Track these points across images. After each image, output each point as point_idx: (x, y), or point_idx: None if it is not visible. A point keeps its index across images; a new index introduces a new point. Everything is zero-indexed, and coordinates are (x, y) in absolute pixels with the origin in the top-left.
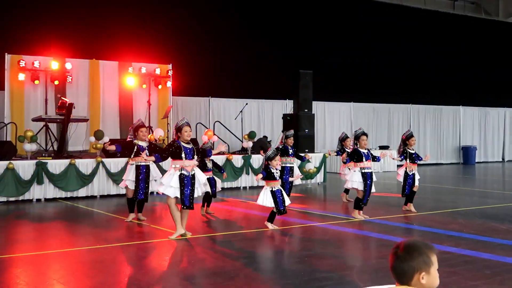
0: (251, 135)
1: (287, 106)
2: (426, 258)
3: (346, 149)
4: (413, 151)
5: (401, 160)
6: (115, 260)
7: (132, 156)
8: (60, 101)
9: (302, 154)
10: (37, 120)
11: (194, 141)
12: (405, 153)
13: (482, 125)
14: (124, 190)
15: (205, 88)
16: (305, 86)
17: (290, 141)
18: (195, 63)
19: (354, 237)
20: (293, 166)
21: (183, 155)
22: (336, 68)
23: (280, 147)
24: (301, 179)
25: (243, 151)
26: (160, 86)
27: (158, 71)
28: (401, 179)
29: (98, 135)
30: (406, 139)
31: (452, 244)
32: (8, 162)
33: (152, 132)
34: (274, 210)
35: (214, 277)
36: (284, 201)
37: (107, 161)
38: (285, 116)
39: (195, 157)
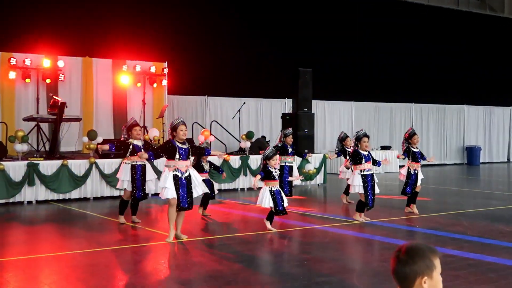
0: (249, 135)
1: (286, 105)
2: (429, 262)
3: (347, 149)
4: (416, 150)
5: (404, 159)
6: (109, 264)
7: (128, 155)
8: (52, 100)
9: (304, 152)
10: (28, 119)
11: (190, 141)
12: (408, 151)
13: (486, 124)
14: (118, 191)
15: (202, 87)
16: (304, 84)
17: (289, 139)
18: (192, 60)
19: (355, 239)
20: (292, 165)
21: (177, 155)
22: (336, 66)
23: (279, 145)
24: (300, 180)
25: (240, 151)
26: (155, 85)
27: (153, 69)
28: (404, 179)
29: (91, 135)
30: (409, 137)
31: (455, 247)
32: None
33: (147, 132)
34: (273, 210)
35: (211, 281)
36: (283, 202)
37: (100, 162)
38: (284, 116)
39: (190, 157)
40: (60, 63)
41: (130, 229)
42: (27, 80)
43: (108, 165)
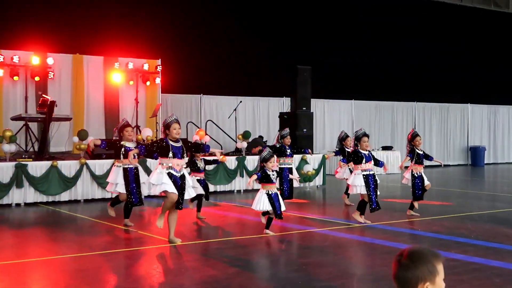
0: (246, 135)
1: (284, 104)
2: (431, 267)
3: (347, 149)
4: (421, 152)
5: (410, 160)
6: (100, 269)
7: (121, 158)
8: (41, 98)
9: (307, 149)
10: (16, 119)
11: (185, 141)
12: (412, 153)
13: (491, 124)
14: (110, 194)
15: (197, 85)
16: (303, 82)
17: (287, 140)
18: (186, 58)
19: (355, 243)
20: (291, 167)
21: (170, 154)
22: (336, 64)
23: (277, 146)
24: (299, 181)
25: (237, 152)
26: (148, 83)
27: (146, 67)
28: (408, 182)
29: (82, 135)
30: (412, 138)
31: (459, 251)
32: None
33: (140, 132)
34: (271, 215)
35: (205, 286)
36: (280, 206)
37: (91, 163)
38: (282, 115)
39: (185, 156)
40: (50, 61)
41: (122, 232)
42: (15, 78)
43: (99, 166)
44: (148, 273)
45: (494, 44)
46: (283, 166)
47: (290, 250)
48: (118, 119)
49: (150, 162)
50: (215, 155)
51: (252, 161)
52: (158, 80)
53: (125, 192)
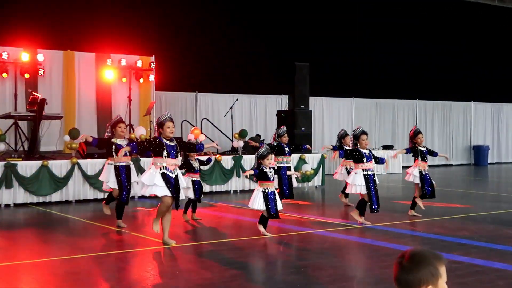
0: (242, 133)
1: (281, 102)
2: (434, 270)
3: (345, 147)
4: (424, 149)
5: (406, 153)
6: (92, 271)
7: (113, 155)
8: (31, 96)
9: (306, 146)
10: (5, 117)
11: (179, 141)
12: (414, 150)
13: (495, 122)
14: (102, 194)
15: (192, 82)
16: (301, 80)
17: (285, 138)
18: (181, 54)
19: (355, 245)
20: (290, 166)
21: (165, 153)
22: (335, 61)
23: (275, 144)
24: (296, 180)
25: (233, 151)
26: (141, 80)
27: (139, 64)
28: (415, 180)
29: (73, 133)
30: (414, 136)
31: (462, 252)
32: None
33: (133, 130)
34: (265, 214)
35: None
36: (276, 205)
37: (83, 162)
38: (279, 113)
39: (179, 156)
40: (40, 57)
41: (115, 234)
42: (4, 75)
43: (91, 166)
44: (142, 276)
45: (498, 41)
46: (281, 165)
47: (288, 252)
48: (111, 117)
49: (144, 161)
50: (209, 154)
51: (249, 161)
52: (152, 77)
53: (117, 187)
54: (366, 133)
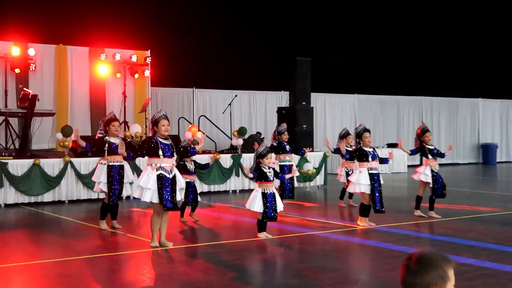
0: (241, 131)
1: (282, 98)
2: (442, 272)
3: (346, 147)
4: (432, 147)
5: (410, 154)
6: (85, 274)
7: (105, 154)
8: (22, 92)
9: (303, 149)
10: None
11: (176, 138)
12: (421, 149)
13: (503, 119)
14: (96, 194)
15: (189, 78)
16: (302, 75)
17: (285, 136)
18: (177, 49)
19: (359, 247)
20: (292, 164)
21: (160, 152)
22: (337, 56)
23: (275, 144)
24: (297, 180)
25: (232, 149)
26: (137, 75)
27: (134, 58)
28: (427, 179)
29: (66, 131)
30: (421, 134)
31: (470, 255)
32: None
33: (128, 128)
34: (260, 217)
35: None
36: (276, 207)
37: (76, 161)
38: (280, 110)
39: (175, 154)
40: (31, 51)
41: (109, 235)
42: None
43: (84, 164)
44: (137, 279)
45: (509, 36)
46: (283, 163)
47: (289, 255)
48: (105, 114)
49: (139, 160)
50: (206, 153)
51: (248, 159)
52: (147, 73)
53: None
54: (368, 131)
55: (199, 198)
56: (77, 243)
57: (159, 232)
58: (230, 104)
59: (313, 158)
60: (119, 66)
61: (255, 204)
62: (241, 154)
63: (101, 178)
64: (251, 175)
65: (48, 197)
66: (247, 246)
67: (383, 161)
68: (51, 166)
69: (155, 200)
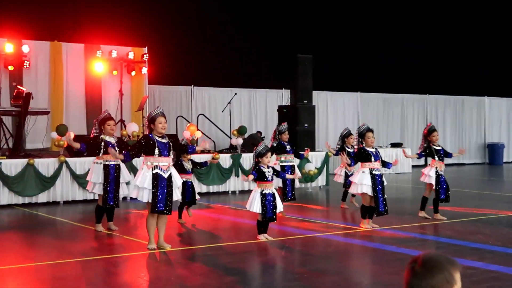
0: (241, 130)
1: (283, 96)
2: (448, 276)
3: (347, 148)
4: (439, 147)
5: (418, 158)
6: (80, 277)
7: (100, 154)
8: (15, 90)
9: (301, 153)
10: None
11: (174, 137)
12: (428, 150)
13: (511, 118)
14: (93, 194)
15: (187, 76)
16: (304, 73)
17: (285, 136)
18: (176, 45)
19: (361, 249)
20: (294, 165)
21: (156, 151)
22: (340, 53)
23: (275, 144)
24: (299, 181)
25: (231, 149)
26: (134, 73)
27: (131, 55)
28: (430, 180)
29: (61, 130)
30: (428, 134)
31: (476, 257)
32: None
33: (125, 127)
34: (259, 218)
35: None
36: (275, 208)
37: (71, 161)
38: (281, 109)
39: (171, 153)
40: (25, 48)
41: (105, 237)
42: None
43: (80, 164)
44: (134, 282)
45: None
46: (284, 164)
47: (290, 257)
48: (101, 113)
49: (135, 159)
50: (205, 153)
51: (248, 159)
52: (144, 70)
53: (101, 193)
54: (371, 131)
55: (197, 196)
56: (72, 245)
57: (157, 233)
58: (229, 103)
59: (315, 158)
60: (116, 63)
61: (254, 205)
62: (240, 154)
63: (99, 179)
64: (251, 177)
65: (42, 197)
66: (247, 248)
67: (386, 165)
68: (45, 166)
69: (151, 200)
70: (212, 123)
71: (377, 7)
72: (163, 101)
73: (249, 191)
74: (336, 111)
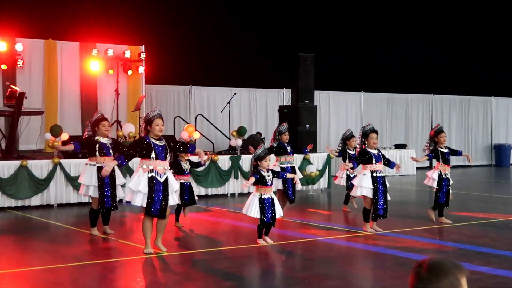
0: (241, 131)
1: (284, 96)
2: (455, 280)
3: (348, 150)
4: (445, 150)
5: (428, 159)
6: (75, 282)
7: (96, 155)
8: (8, 89)
9: (305, 148)
10: None
11: (172, 138)
12: (434, 152)
13: None
14: (87, 197)
15: (185, 75)
16: (305, 72)
17: (286, 137)
18: (173, 44)
19: (364, 254)
20: (294, 166)
21: (153, 154)
22: (342, 51)
23: (275, 145)
24: (300, 183)
25: (231, 150)
26: (130, 72)
27: (128, 54)
28: (433, 183)
29: (55, 131)
30: (435, 135)
31: (482, 262)
32: None
33: (121, 127)
34: (260, 223)
35: None
36: (274, 213)
37: (66, 162)
38: (281, 109)
39: (168, 157)
40: (19, 47)
41: (100, 241)
42: None
43: (74, 166)
44: (130, 287)
45: None
46: (284, 165)
47: (290, 262)
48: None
49: (131, 161)
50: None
51: (248, 161)
52: (141, 69)
53: (96, 197)
54: (376, 132)
55: (196, 198)
56: (66, 249)
57: (154, 235)
58: (228, 103)
59: (317, 159)
60: (112, 62)
61: (252, 209)
62: (240, 155)
63: (92, 182)
64: (252, 179)
65: (36, 200)
66: (246, 252)
67: (390, 164)
68: (39, 167)
69: (145, 204)
70: (211, 123)
71: (377, 7)
72: (160, 101)
73: (249, 194)
74: (339, 112)
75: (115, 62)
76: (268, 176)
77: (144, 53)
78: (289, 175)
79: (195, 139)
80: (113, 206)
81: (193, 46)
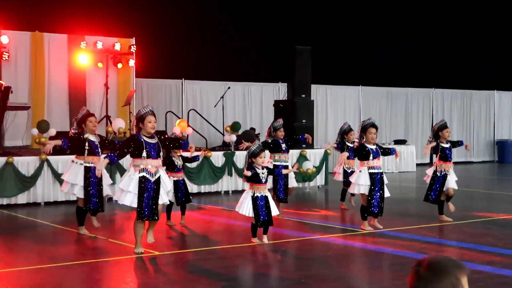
0: (235, 126)
1: (279, 90)
2: (455, 280)
3: (348, 143)
4: (446, 146)
5: (433, 153)
6: (63, 283)
7: (85, 154)
8: None
9: (302, 135)
10: None
11: (164, 134)
12: (437, 148)
13: None
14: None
15: (177, 68)
16: (302, 65)
17: (280, 133)
18: (165, 36)
19: (363, 253)
20: (287, 165)
21: (144, 153)
22: (340, 44)
23: (269, 141)
24: (296, 180)
25: (224, 146)
26: (120, 65)
27: (118, 47)
28: (427, 180)
29: (42, 126)
30: (438, 130)
31: (484, 261)
32: None
33: (111, 123)
34: (253, 222)
35: None
36: (269, 211)
37: (53, 159)
38: (277, 103)
39: (161, 155)
40: (4, 39)
41: (89, 240)
42: None
43: (62, 163)
44: None
45: None
46: (278, 163)
47: (286, 261)
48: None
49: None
50: (196, 150)
51: (242, 157)
52: (132, 62)
53: (82, 197)
54: (376, 127)
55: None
56: (54, 249)
57: (144, 234)
58: (222, 97)
59: (313, 156)
60: (101, 55)
61: (244, 207)
62: (234, 151)
63: (77, 180)
64: (249, 173)
65: (22, 198)
66: (240, 252)
67: (390, 152)
68: (25, 164)
69: (135, 204)
70: (204, 119)
71: (377, 7)
72: (151, 96)
73: (243, 191)
74: (336, 106)
75: (104, 55)
76: (263, 173)
77: (135, 46)
78: (285, 171)
79: (188, 135)
80: (99, 208)
81: (186, 39)
